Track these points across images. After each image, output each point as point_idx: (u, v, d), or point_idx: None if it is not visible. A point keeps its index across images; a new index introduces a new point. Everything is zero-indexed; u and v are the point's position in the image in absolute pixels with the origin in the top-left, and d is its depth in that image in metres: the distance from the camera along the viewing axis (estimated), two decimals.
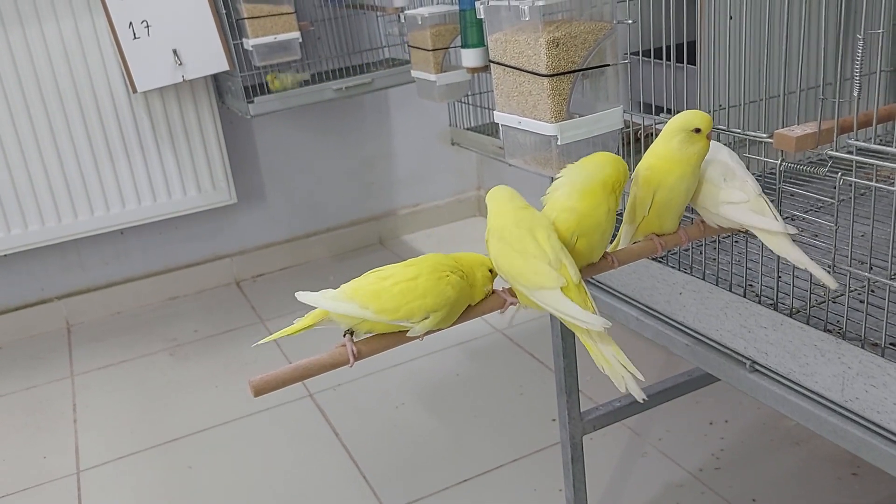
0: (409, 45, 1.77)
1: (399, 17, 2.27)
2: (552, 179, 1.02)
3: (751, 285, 0.89)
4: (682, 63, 1.04)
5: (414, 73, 1.77)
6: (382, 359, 1.97)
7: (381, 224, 2.73)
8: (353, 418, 1.78)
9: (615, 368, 0.69)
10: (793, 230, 0.75)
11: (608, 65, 0.93)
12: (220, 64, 1.99)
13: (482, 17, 0.97)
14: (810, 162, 1.13)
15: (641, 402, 0.69)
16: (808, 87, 0.92)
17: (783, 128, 0.73)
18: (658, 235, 0.81)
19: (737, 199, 0.77)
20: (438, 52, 1.70)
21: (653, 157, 0.78)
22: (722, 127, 0.84)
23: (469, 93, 1.80)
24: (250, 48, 1.93)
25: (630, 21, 0.93)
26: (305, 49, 2.07)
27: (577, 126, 0.92)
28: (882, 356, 0.72)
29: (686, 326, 0.94)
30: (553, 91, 0.90)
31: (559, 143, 0.92)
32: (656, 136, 0.80)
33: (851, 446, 0.75)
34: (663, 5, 0.92)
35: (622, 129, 0.98)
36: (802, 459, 1.50)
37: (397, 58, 2.34)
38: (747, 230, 0.79)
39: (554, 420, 1.67)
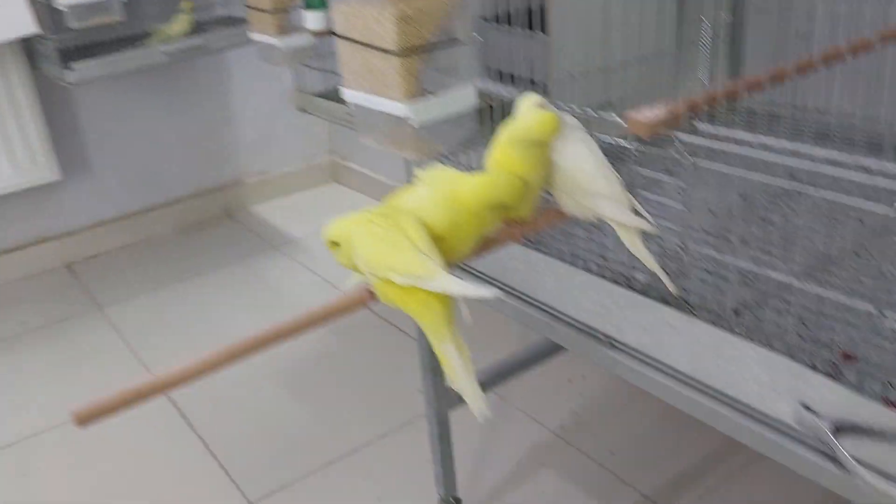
0: (246, 5, 1.66)
1: None
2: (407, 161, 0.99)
3: (604, 257, 0.90)
4: (532, 30, 1.03)
5: (254, 36, 1.67)
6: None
7: (227, 195, 2.60)
8: (208, 408, 1.70)
9: (462, 383, 0.68)
10: (652, 228, 0.76)
11: (460, 40, 0.90)
12: (27, 26, 1.79)
13: None
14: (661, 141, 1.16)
15: (481, 420, 0.69)
16: (652, 54, 0.94)
17: (635, 111, 0.73)
18: (516, 222, 0.80)
19: (604, 191, 0.77)
20: (279, 13, 1.60)
21: (499, 152, 0.76)
22: (574, 106, 0.83)
23: (314, 56, 1.72)
24: (63, 7, 1.74)
25: None
26: (128, 8, 1.91)
27: (432, 106, 0.89)
28: (730, 331, 0.75)
29: (545, 304, 0.94)
30: (404, 69, 0.86)
31: (414, 124, 0.88)
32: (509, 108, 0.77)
33: (703, 415, 0.78)
34: None
35: (479, 106, 0.96)
36: (654, 410, 1.58)
37: (235, 15, 2.21)
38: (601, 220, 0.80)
39: (420, 392, 1.68)
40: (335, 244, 0.72)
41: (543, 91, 0.98)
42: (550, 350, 1.39)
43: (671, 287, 0.76)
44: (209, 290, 2.17)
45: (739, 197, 0.92)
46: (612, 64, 1.00)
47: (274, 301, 2.09)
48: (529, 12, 1.00)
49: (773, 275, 0.71)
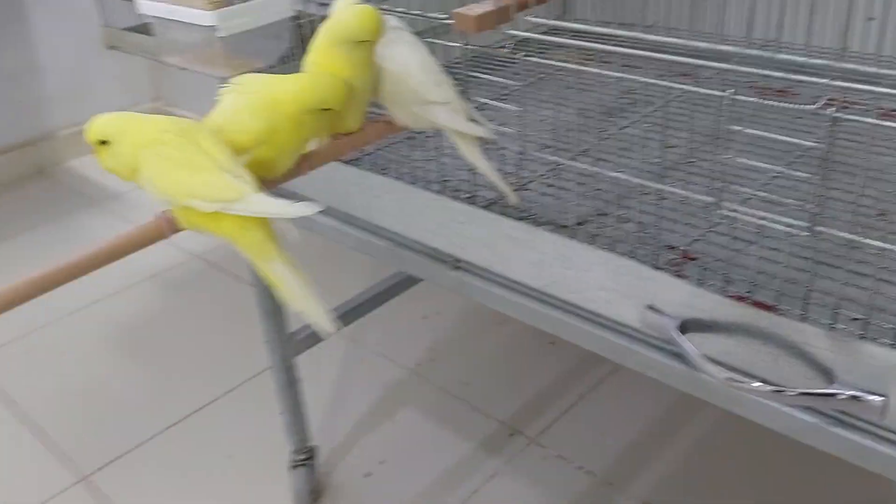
0: None
1: None
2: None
3: (447, 180, 0.86)
4: None
5: None
6: (57, 306, 1.71)
7: (38, 150, 2.35)
8: (30, 379, 1.53)
9: (302, 301, 0.61)
10: (489, 134, 0.71)
11: None
12: None
13: None
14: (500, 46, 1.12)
15: (326, 334, 0.63)
16: None
17: (462, 7, 0.67)
18: (345, 135, 0.73)
19: (438, 98, 0.71)
20: None
21: (318, 54, 0.68)
22: (399, 9, 0.76)
23: None
24: None
25: None
26: None
27: (241, 13, 0.80)
28: (573, 238, 0.72)
29: (387, 230, 0.88)
30: None
31: (221, 34, 0.78)
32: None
33: (551, 327, 0.76)
34: None
35: (296, 18, 0.87)
36: (507, 337, 1.58)
37: None
38: (439, 129, 0.74)
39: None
40: (103, 143, 0.60)
41: None
42: (401, 285, 1.34)
43: (511, 197, 0.72)
44: (24, 254, 1.96)
45: (577, 94, 0.89)
46: None
47: None
48: None
49: (615, 175, 0.68)
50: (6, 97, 2.25)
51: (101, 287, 1.78)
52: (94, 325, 1.68)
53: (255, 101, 0.63)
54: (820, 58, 0.51)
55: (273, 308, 1.12)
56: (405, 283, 1.35)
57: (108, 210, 2.15)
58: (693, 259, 0.71)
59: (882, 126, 0.50)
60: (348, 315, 1.27)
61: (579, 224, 0.76)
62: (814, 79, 0.51)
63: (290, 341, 1.16)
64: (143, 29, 1.60)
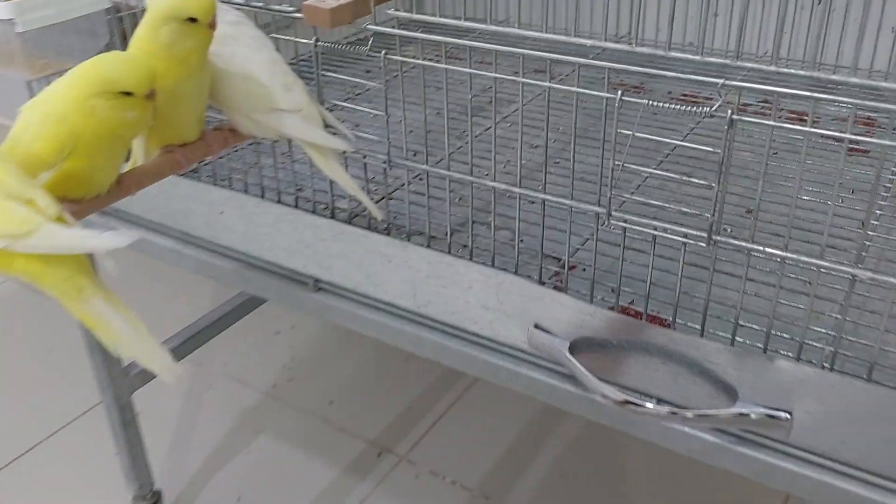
0: None
1: None
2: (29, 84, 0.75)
3: (301, 191, 0.76)
4: None
5: None
6: None
7: None
8: None
9: (134, 345, 0.50)
10: (348, 146, 0.63)
11: None
12: None
13: None
14: (353, 42, 1.03)
15: (172, 382, 0.52)
16: None
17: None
18: (179, 146, 0.62)
19: (286, 105, 0.62)
20: None
21: (139, 38, 0.58)
22: (238, 1, 0.66)
23: None
24: None
25: None
26: None
27: (42, 5, 0.66)
28: (448, 252, 0.65)
29: (233, 250, 0.78)
30: None
31: (20, 29, 0.65)
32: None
33: (429, 353, 0.69)
34: None
35: (114, 10, 0.74)
36: (369, 350, 1.50)
37: None
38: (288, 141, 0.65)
39: None
40: None
41: None
42: (250, 303, 1.23)
43: (375, 213, 0.64)
44: None
45: (436, 94, 0.83)
46: None
47: None
48: None
49: (491, 184, 0.62)
50: None
51: None
52: None
53: (51, 99, 0.52)
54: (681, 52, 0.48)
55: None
56: (256, 300, 1.24)
57: None
58: (574, 268, 0.67)
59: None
60: (191, 342, 1.14)
61: (452, 233, 0.70)
62: (707, 78, 0.47)
63: (124, 377, 1.02)
64: None
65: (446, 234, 0.68)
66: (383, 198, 0.76)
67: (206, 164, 0.78)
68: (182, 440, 1.29)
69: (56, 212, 0.48)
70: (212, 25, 0.57)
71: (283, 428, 1.32)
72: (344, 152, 0.66)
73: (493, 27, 0.56)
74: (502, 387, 0.66)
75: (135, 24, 0.64)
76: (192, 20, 0.56)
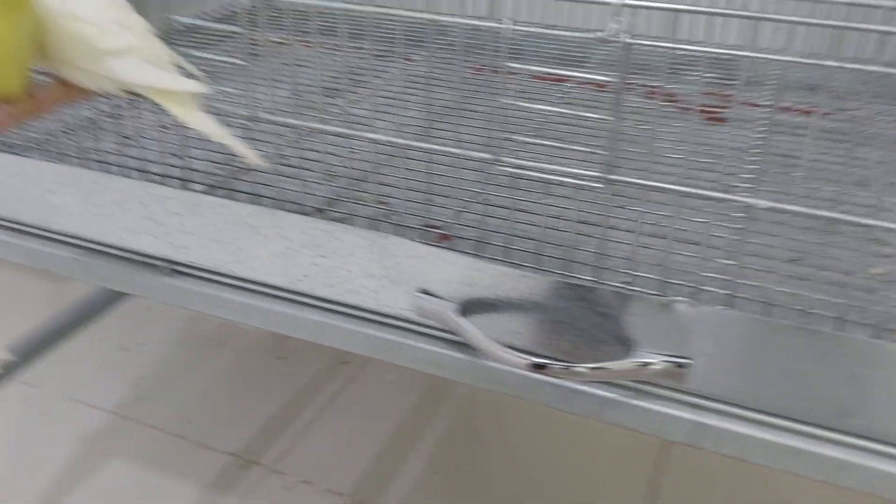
0: None
1: None
2: None
3: (149, 161, 0.68)
4: None
5: None
6: None
7: None
8: None
9: None
10: (205, 88, 0.56)
11: None
12: None
13: None
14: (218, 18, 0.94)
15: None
16: None
17: None
18: (3, 101, 0.53)
19: (122, 46, 0.53)
20: None
21: None
22: None
23: None
24: None
25: None
26: None
27: None
28: (323, 218, 0.60)
29: (70, 235, 0.69)
30: None
31: None
32: None
33: (310, 335, 0.63)
34: None
35: None
36: (229, 360, 1.40)
37: None
38: (136, 92, 0.57)
39: None
40: None
41: None
42: (92, 310, 1.11)
43: (256, 160, 0.57)
44: None
45: (294, 74, 0.77)
46: None
47: None
48: None
49: (373, 136, 0.57)
50: None
51: None
52: None
53: None
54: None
55: None
56: (97, 307, 1.12)
57: None
58: (448, 238, 0.63)
59: None
60: (24, 356, 1.01)
61: (321, 210, 0.65)
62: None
63: None
64: None
65: (314, 208, 0.62)
66: (251, 169, 0.69)
67: (27, 132, 0.68)
68: (16, 471, 1.15)
69: None
70: None
71: (135, 449, 1.21)
72: (201, 97, 0.58)
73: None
74: (372, 386, 0.61)
75: None
76: None
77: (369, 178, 0.69)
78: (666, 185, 0.47)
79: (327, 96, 0.79)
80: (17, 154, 0.66)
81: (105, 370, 1.36)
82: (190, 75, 0.57)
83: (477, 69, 0.92)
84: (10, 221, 0.70)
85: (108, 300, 1.15)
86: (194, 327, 1.48)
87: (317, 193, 0.65)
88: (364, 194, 0.66)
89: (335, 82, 0.80)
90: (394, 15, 0.52)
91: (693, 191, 0.47)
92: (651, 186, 0.48)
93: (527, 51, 0.94)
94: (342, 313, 0.62)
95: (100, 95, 0.58)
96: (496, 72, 0.71)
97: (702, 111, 0.81)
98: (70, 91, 0.56)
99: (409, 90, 0.84)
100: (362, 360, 1.38)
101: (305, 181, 0.66)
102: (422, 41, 0.83)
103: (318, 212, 0.64)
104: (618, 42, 0.42)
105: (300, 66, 0.63)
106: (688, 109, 0.83)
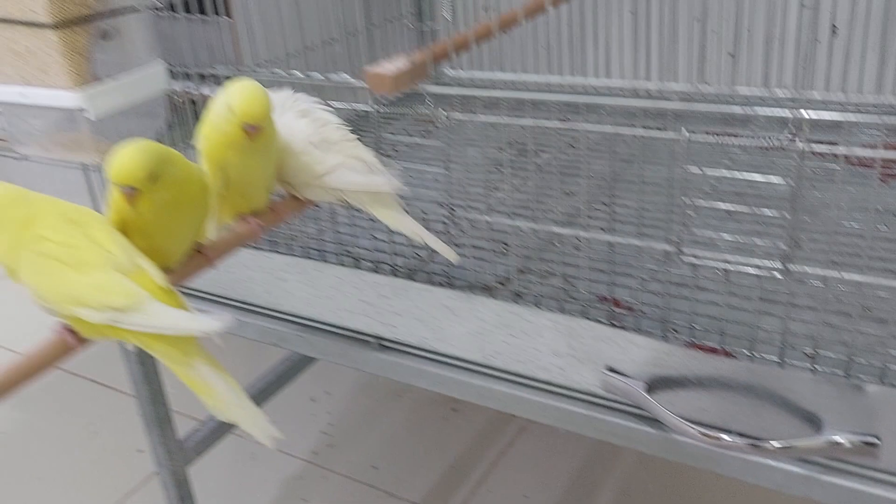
0: None
1: None
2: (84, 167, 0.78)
3: (361, 249, 0.78)
4: (212, 14, 0.87)
5: None
6: None
7: None
8: None
9: (234, 409, 0.52)
10: (403, 188, 0.65)
11: (134, 8, 0.71)
12: None
13: None
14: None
15: (270, 445, 0.53)
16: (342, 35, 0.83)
17: (373, 66, 0.61)
18: (251, 215, 0.64)
19: (333, 165, 0.64)
20: None
21: (208, 127, 0.60)
22: (297, 72, 0.70)
23: None
24: None
25: None
26: None
27: (111, 92, 0.70)
28: (514, 301, 0.67)
29: (295, 315, 0.80)
30: (67, 48, 0.66)
31: (91, 117, 0.68)
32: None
33: (502, 405, 0.70)
34: None
35: (171, 92, 0.78)
36: (407, 410, 1.50)
37: None
38: (350, 203, 0.67)
39: (141, 451, 1.41)
40: None
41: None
42: (293, 370, 1.24)
43: (452, 256, 0.65)
44: None
45: (502, 148, 0.85)
46: (302, 46, 0.88)
47: None
48: None
49: (559, 231, 0.64)
50: None
51: None
52: None
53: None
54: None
55: (159, 417, 0.98)
56: (295, 368, 1.25)
57: None
58: (629, 309, 0.68)
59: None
60: None
61: (501, 284, 0.72)
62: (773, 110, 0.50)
63: (180, 451, 1.03)
64: None
65: (495, 284, 0.69)
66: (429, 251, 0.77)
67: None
68: None
69: (164, 284, 0.50)
70: (248, 131, 0.57)
71: (329, 495, 1.32)
72: (399, 197, 0.67)
73: (532, 77, 0.59)
74: (546, 434, 0.66)
75: (197, 111, 0.67)
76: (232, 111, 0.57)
77: (549, 253, 0.75)
78: (846, 276, 0.50)
79: (511, 170, 0.87)
80: (255, 249, 0.78)
81: (299, 420, 1.50)
82: (387, 176, 0.66)
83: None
84: (245, 303, 0.82)
85: (303, 362, 1.28)
86: (374, 378, 1.59)
87: (496, 272, 0.72)
88: (544, 270, 0.72)
89: (495, 159, 0.87)
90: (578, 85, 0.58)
91: (875, 281, 0.49)
92: (833, 279, 0.51)
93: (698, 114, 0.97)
94: (531, 387, 0.68)
95: (319, 204, 0.68)
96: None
97: (883, 170, 0.81)
98: (300, 203, 0.67)
99: (572, 164, 0.89)
100: None
101: (485, 261, 0.72)
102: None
103: (501, 285, 0.71)
104: (793, 150, 0.46)
105: (471, 144, 0.71)
106: (867, 166, 0.82)
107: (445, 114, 0.63)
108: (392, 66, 0.62)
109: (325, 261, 0.77)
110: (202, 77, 0.80)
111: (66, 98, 0.67)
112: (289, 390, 1.42)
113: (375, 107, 0.67)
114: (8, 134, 0.73)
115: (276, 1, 0.87)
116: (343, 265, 0.75)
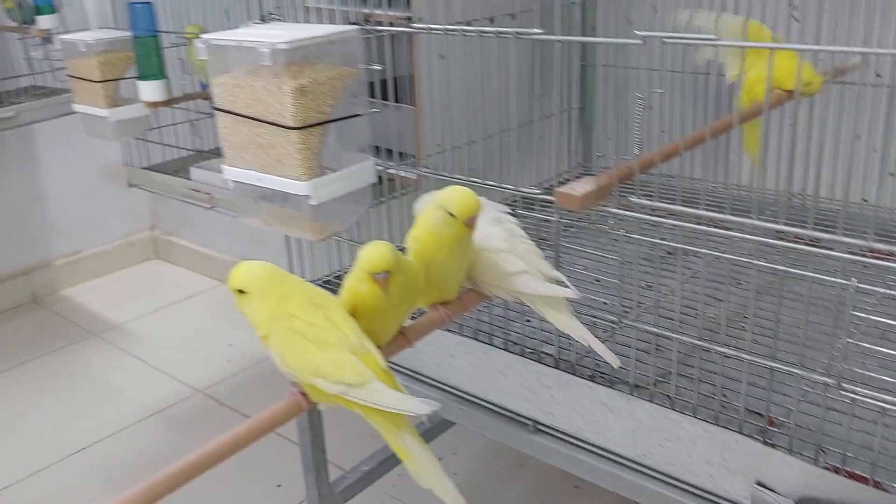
0: (68, 75, 1.49)
1: (42, 39, 1.93)
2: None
3: (510, 337, 0.86)
4: (398, 102, 0.99)
5: (77, 108, 1.50)
6: (62, 447, 1.64)
7: (32, 279, 2.31)
8: None
9: (431, 477, 0.60)
10: (575, 294, 0.72)
11: (359, 112, 0.83)
12: None
13: (203, 57, 0.81)
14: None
15: None
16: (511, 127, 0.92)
17: (564, 186, 0.70)
18: (441, 304, 0.74)
19: (518, 269, 0.73)
20: (109, 83, 1.45)
21: (419, 228, 0.70)
22: (491, 183, 0.79)
23: (149, 128, 1.57)
24: None
25: (380, 66, 0.85)
26: None
27: (331, 182, 0.81)
28: (672, 408, 0.72)
29: (460, 390, 0.88)
30: (303, 145, 0.78)
31: (313, 202, 0.80)
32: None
33: (644, 499, 0.75)
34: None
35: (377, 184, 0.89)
36: (530, 481, 1.55)
37: (42, 86, 1.99)
38: (523, 301, 0.75)
39: (279, 486, 1.53)
40: (241, 292, 0.61)
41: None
42: (428, 433, 1.32)
43: (613, 361, 0.72)
44: (18, 386, 1.88)
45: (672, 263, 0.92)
46: (478, 136, 0.98)
47: (96, 393, 1.84)
48: (395, 82, 0.96)
49: (722, 350, 0.70)
50: (7, 230, 2.23)
51: (101, 426, 1.71)
52: (95, 468, 1.60)
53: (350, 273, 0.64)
54: None
55: (317, 463, 1.09)
56: (435, 430, 1.34)
57: (106, 341, 2.09)
58: (778, 426, 0.72)
59: None
60: (385, 465, 1.24)
61: (654, 385, 0.77)
62: None
63: (330, 496, 1.12)
64: (164, 168, 1.63)
65: (649, 384, 0.75)
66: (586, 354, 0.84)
67: None
68: None
69: (384, 366, 0.59)
70: (468, 224, 0.67)
71: None
72: (571, 302, 0.74)
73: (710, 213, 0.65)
74: None
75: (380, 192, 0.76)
76: (452, 215, 0.67)
77: (696, 359, 0.80)
78: None
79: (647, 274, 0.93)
80: None
81: None
82: (561, 283, 0.74)
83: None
84: (416, 373, 0.92)
85: (443, 426, 1.37)
86: (500, 445, 1.66)
87: (648, 373, 0.78)
88: (699, 376, 0.77)
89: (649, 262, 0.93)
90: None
91: None
92: None
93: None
94: (680, 488, 0.73)
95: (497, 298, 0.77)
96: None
97: None
98: (482, 298, 0.75)
99: (719, 275, 0.94)
100: None
101: (637, 362, 0.78)
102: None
103: (651, 387, 0.76)
104: None
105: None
106: None
107: (623, 232, 0.71)
108: (580, 187, 0.70)
109: (492, 344, 0.85)
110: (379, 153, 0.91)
111: (296, 186, 0.80)
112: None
113: (560, 219, 0.75)
114: (238, 206, 0.87)
115: (453, 93, 0.98)
116: (509, 351, 0.83)
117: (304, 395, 0.61)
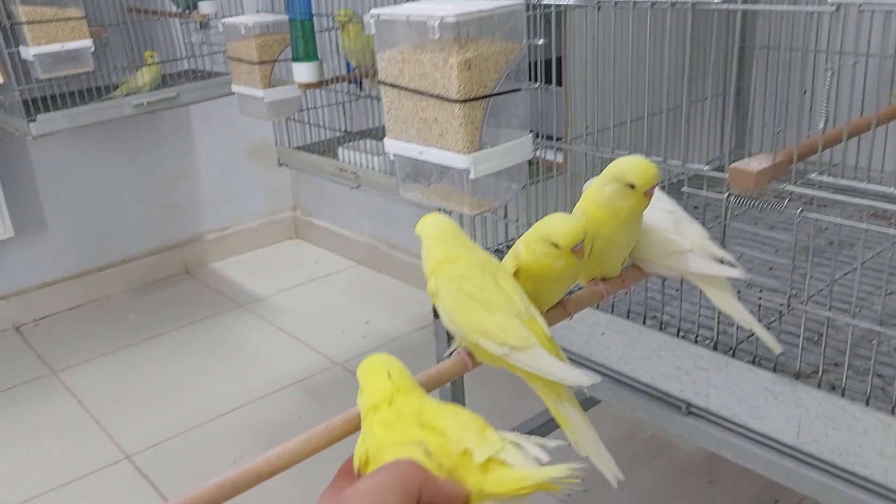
0: (228, 57, 1.58)
1: (200, 24, 2.05)
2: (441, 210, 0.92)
3: (670, 318, 0.85)
4: (550, 84, 0.98)
5: (235, 88, 1.59)
6: (209, 408, 1.75)
7: (185, 251, 2.47)
8: (183, 481, 1.55)
9: (590, 446, 0.61)
10: (741, 274, 0.70)
11: (520, 89, 0.84)
12: None
13: (372, 31, 0.85)
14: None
15: (614, 484, 0.61)
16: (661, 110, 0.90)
17: (739, 163, 0.68)
18: (601, 279, 0.73)
19: (683, 247, 0.71)
20: (265, 64, 1.53)
21: (587, 202, 0.70)
22: (657, 158, 0.78)
23: (300, 109, 1.64)
24: (31, 58, 1.63)
25: (542, 40, 0.85)
26: (97, 58, 1.79)
27: (490, 157, 0.83)
28: (842, 396, 0.69)
29: (609, 368, 0.88)
30: (466, 119, 0.80)
31: (472, 176, 0.82)
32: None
33: (811, 491, 0.72)
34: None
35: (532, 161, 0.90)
36: (662, 471, 1.52)
37: (200, 69, 2.12)
38: (684, 278, 0.74)
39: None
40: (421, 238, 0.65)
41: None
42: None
43: (775, 346, 0.70)
44: (170, 350, 2.02)
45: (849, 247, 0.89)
46: (625, 118, 0.97)
47: (241, 360, 1.96)
48: (547, 64, 0.96)
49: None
50: (162, 202, 2.39)
51: (246, 392, 1.81)
52: (245, 427, 1.70)
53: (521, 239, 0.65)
54: None
55: None
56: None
57: (251, 311, 2.21)
58: None
59: None
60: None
61: (815, 373, 0.74)
62: None
63: None
64: (314, 148, 1.69)
65: (810, 372, 0.72)
66: (748, 337, 0.82)
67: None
68: None
69: (549, 333, 0.60)
70: (647, 194, 0.67)
71: None
72: (735, 283, 0.72)
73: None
74: None
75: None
76: (631, 186, 0.67)
77: (862, 349, 0.77)
78: None
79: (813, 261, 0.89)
80: None
81: (557, 460, 1.58)
82: (727, 262, 0.72)
83: None
84: (565, 351, 0.92)
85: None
86: (632, 432, 1.63)
87: (809, 361, 0.75)
88: (851, 371, 0.74)
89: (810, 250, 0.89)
90: None
91: None
92: None
93: None
94: (846, 479, 0.70)
95: (659, 278, 0.76)
96: None
97: None
98: (643, 275, 0.75)
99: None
100: (795, 498, 1.39)
101: (795, 347, 0.75)
102: None
103: (812, 375, 0.73)
104: None
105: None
106: None
107: (799, 210, 0.68)
108: (756, 163, 0.68)
109: (644, 324, 0.84)
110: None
111: (457, 160, 0.82)
112: (558, 430, 1.50)
113: (730, 196, 0.73)
114: (398, 179, 0.90)
115: (604, 74, 0.97)
116: (663, 331, 0.82)
117: (469, 355, 0.63)
